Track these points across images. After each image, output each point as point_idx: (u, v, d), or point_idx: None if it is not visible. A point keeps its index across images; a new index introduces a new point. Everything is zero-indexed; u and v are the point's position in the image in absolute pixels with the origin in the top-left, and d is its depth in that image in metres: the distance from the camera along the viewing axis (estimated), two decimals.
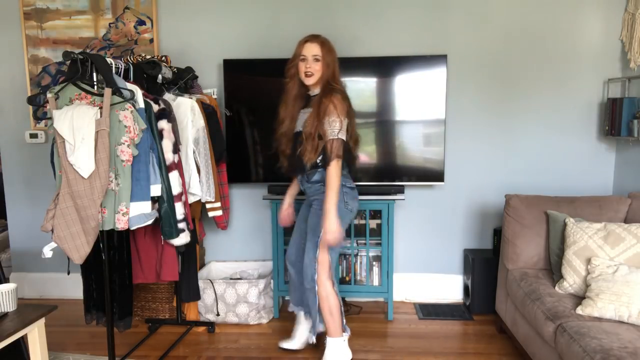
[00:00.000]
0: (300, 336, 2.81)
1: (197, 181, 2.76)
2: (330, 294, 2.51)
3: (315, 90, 2.50)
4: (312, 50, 2.44)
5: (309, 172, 2.52)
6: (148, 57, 2.82)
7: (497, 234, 3.24)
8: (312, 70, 2.44)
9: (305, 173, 2.53)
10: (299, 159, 2.48)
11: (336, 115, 2.38)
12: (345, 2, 3.33)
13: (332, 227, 2.38)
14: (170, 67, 2.92)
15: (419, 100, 3.21)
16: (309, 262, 2.51)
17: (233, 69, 3.28)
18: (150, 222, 2.33)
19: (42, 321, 2.05)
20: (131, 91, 2.29)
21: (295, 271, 2.74)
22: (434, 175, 3.26)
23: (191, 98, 2.83)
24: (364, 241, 3.27)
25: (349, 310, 3.36)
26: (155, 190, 2.34)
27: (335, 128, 2.38)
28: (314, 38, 2.47)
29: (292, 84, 2.54)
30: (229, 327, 3.17)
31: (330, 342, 2.56)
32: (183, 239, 2.54)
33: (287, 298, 3.60)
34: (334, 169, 2.37)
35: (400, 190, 3.25)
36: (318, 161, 2.46)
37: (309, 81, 2.46)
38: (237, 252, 3.62)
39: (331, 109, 2.38)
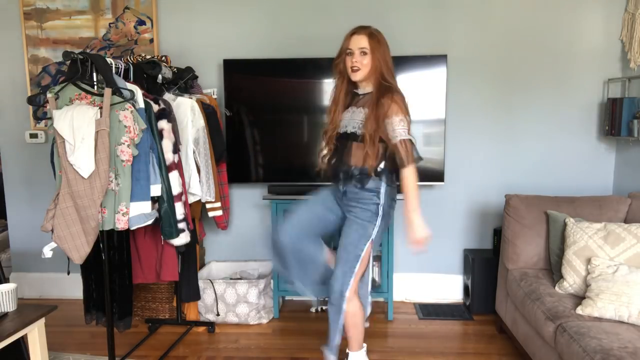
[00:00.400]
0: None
1: (197, 181, 2.76)
2: (359, 310, 2.35)
3: (366, 88, 2.30)
4: (359, 42, 2.21)
5: (360, 177, 2.27)
6: (148, 57, 2.82)
7: (497, 234, 3.24)
8: (359, 65, 2.22)
9: (356, 178, 2.28)
10: (345, 162, 2.29)
11: (403, 115, 2.20)
12: (345, 2, 3.33)
13: (422, 234, 2.20)
14: (170, 67, 2.92)
15: (419, 100, 3.20)
16: (341, 275, 2.29)
17: (233, 69, 3.27)
18: (150, 222, 2.33)
19: (42, 321, 2.05)
20: (131, 91, 2.29)
21: (296, 248, 2.37)
22: (434, 175, 3.26)
23: (191, 98, 2.83)
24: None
25: None
26: (155, 190, 2.34)
27: (404, 128, 2.19)
28: (361, 29, 2.24)
29: (340, 81, 2.33)
30: (229, 327, 3.17)
31: (352, 357, 2.44)
32: (183, 239, 2.54)
33: (287, 298, 3.60)
34: (413, 173, 2.17)
35: (400, 190, 3.24)
36: (379, 167, 2.26)
37: (355, 76, 2.24)
38: (237, 252, 3.62)
39: (396, 109, 2.18)
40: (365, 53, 2.22)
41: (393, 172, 2.30)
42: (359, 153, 2.26)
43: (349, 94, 2.36)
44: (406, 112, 2.23)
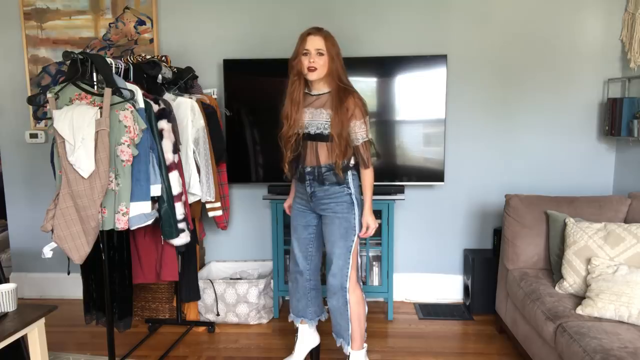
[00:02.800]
0: (303, 351, 2.62)
1: (197, 181, 2.76)
2: (361, 299, 2.44)
3: (322, 89, 2.36)
4: (316, 43, 2.27)
5: (325, 175, 2.35)
6: (148, 57, 2.82)
7: (497, 234, 3.24)
8: (316, 65, 2.27)
9: (324, 176, 2.35)
10: (310, 162, 2.36)
11: (363, 117, 2.31)
12: (346, 2, 3.33)
13: (374, 223, 2.40)
14: (170, 67, 2.92)
15: (419, 100, 3.21)
16: (339, 270, 2.38)
17: (233, 69, 3.28)
18: (150, 222, 2.33)
19: (42, 321, 2.05)
20: (131, 91, 2.29)
21: (304, 278, 2.55)
22: (434, 175, 3.26)
23: (191, 98, 2.83)
24: (364, 241, 3.27)
25: None
26: (155, 190, 2.34)
27: (365, 130, 2.32)
28: (316, 31, 2.31)
29: (298, 82, 2.36)
30: (229, 327, 3.17)
31: (354, 356, 2.46)
32: (183, 239, 2.54)
33: (287, 298, 3.60)
34: (371, 173, 2.36)
35: (400, 190, 3.25)
36: (350, 163, 2.36)
37: (312, 76, 2.29)
38: (237, 252, 3.62)
39: (358, 113, 2.29)
40: (321, 54, 2.28)
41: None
42: (325, 152, 2.33)
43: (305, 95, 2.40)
44: (366, 114, 2.34)
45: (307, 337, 2.62)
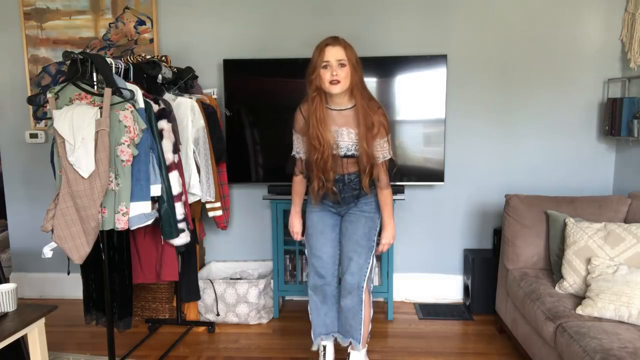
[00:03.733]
0: None
1: (197, 181, 2.76)
2: (370, 301, 2.44)
3: (345, 104, 2.22)
4: (336, 54, 2.11)
5: (355, 180, 2.32)
6: (148, 57, 2.82)
7: (497, 234, 3.24)
8: (338, 78, 2.11)
9: (354, 182, 2.32)
10: (339, 173, 2.29)
11: (386, 134, 2.23)
12: (346, 2, 3.33)
13: (393, 238, 2.42)
14: (170, 67, 2.92)
15: (419, 100, 3.21)
16: (358, 269, 2.32)
17: (233, 69, 3.28)
18: (150, 222, 2.33)
19: (42, 321, 2.05)
20: (131, 91, 2.28)
21: (332, 287, 2.43)
22: (434, 175, 3.26)
23: (191, 98, 2.83)
24: None
25: None
26: (155, 190, 2.34)
27: (387, 149, 2.26)
28: (334, 40, 2.14)
29: (319, 98, 2.18)
30: (229, 327, 3.17)
31: (355, 356, 2.45)
32: (183, 239, 2.54)
33: (287, 298, 3.60)
34: (390, 193, 2.35)
35: (400, 190, 3.25)
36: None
37: (335, 89, 2.13)
38: (237, 252, 3.62)
39: (383, 131, 2.20)
40: (343, 64, 2.12)
41: None
42: (353, 164, 2.29)
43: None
44: (389, 130, 2.27)
45: (331, 352, 2.52)
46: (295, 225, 2.52)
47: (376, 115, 2.20)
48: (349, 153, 2.25)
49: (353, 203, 2.37)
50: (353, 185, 2.33)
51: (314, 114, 2.20)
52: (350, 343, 2.44)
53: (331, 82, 2.13)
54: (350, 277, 2.34)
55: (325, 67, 2.14)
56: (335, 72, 2.12)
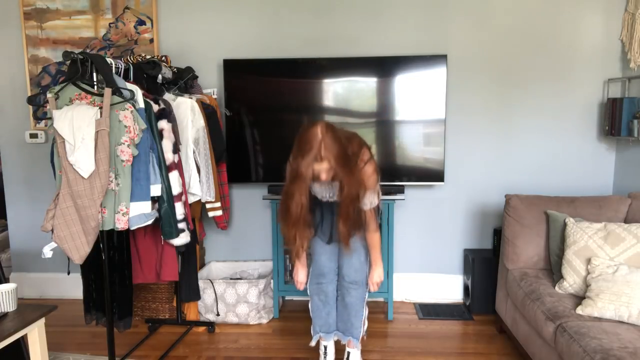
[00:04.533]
0: None
1: (197, 181, 2.76)
2: (366, 300, 2.50)
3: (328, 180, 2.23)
4: (322, 166, 2.09)
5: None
6: (148, 57, 2.82)
7: (497, 234, 3.24)
8: (325, 176, 2.13)
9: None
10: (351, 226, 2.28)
11: (375, 185, 2.26)
12: (345, 2, 3.33)
13: (381, 278, 2.47)
14: (170, 67, 2.92)
15: (418, 100, 3.21)
16: (361, 265, 2.41)
17: (233, 69, 3.28)
18: (150, 222, 2.33)
19: (42, 321, 2.05)
20: (131, 91, 2.29)
21: (333, 286, 2.48)
22: (434, 175, 3.26)
23: (191, 98, 2.83)
24: None
25: None
26: (155, 190, 2.34)
27: (377, 198, 2.30)
28: (320, 157, 2.06)
29: (303, 184, 2.16)
30: (229, 327, 3.17)
31: (356, 354, 2.50)
32: (183, 239, 2.54)
33: (287, 298, 3.60)
34: (378, 235, 2.40)
35: (400, 190, 3.25)
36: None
37: (322, 179, 2.15)
38: (237, 252, 3.62)
39: (372, 182, 2.24)
40: (330, 169, 2.10)
41: None
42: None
43: None
44: (378, 180, 2.28)
45: (332, 351, 2.57)
46: (300, 275, 2.51)
47: (363, 170, 2.20)
48: (332, 199, 2.31)
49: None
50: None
51: (293, 193, 2.18)
52: (349, 341, 2.48)
53: (320, 177, 2.13)
54: (354, 273, 2.41)
55: (315, 177, 2.15)
56: (323, 177, 2.12)
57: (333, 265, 2.48)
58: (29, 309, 2.05)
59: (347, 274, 2.42)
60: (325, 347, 2.55)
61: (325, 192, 2.33)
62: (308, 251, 2.48)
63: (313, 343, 2.54)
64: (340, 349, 2.59)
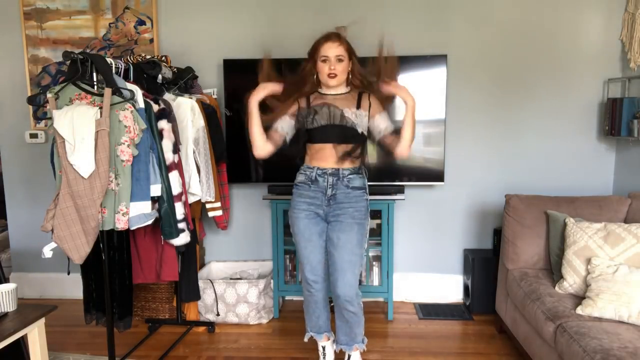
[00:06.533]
0: None
1: (197, 181, 2.76)
2: None
3: (339, 89, 2.32)
4: (335, 50, 2.23)
5: (350, 177, 2.33)
6: (148, 57, 2.82)
7: (497, 234, 3.24)
8: (336, 72, 2.24)
9: (347, 179, 2.32)
10: (333, 165, 2.32)
11: (383, 107, 2.35)
12: (345, 2, 3.33)
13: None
14: (170, 67, 2.92)
15: (419, 100, 3.18)
16: (354, 279, 2.31)
17: (233, 69, 3.27)
18: (150, 222, 2.33)
19: (42, 321, 2.05)
20: (131, 91, 2.29)
21: (323, 291, 2.44)
22: (434, 175, 3.26)
23: (191, 98, 2.83)
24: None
25: None
26: (155, 190, 2.34)
27: (390, 120, 2.35)
28: (334, 37, 2.25)
29: (310, 85, 2.33)
30: (229, 327, 3.17)
31: (357, 357, 2.50)
32: (183, 239, 2.54)
33: (287, 298, 3.60)
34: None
35: (400, 190, 3.25)
36: (364, 163, 2.41)
37: (332, 82, 2.26)
38: (237, 252, 3.62)
39: (379, 105, 2.32)
40: (341, 60, 2.24)
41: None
42: (350, 153, 2.30)
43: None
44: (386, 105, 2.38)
45: (331, 351, 2.57)
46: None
47: (368, 94, 2.32)
48: (353, 126, 2.28)
49: (345, 204, 2.32)
50: (347, 183, 2.32)
51: (298, 94, 2.33)
52: (354, 347, 2.47)
53: (329, 75, 2.25)
54: (349, 289, 2.30)
55: (324, 60, 2.25)
56: (333, 67, 2.23)
57: (321, 273, 2.40)
58: (29, 309, 2.05)
59: (342, 294, 2.31)
60: (324, 348, 2.55)
61: (332, 112, 2.27)
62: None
63: (305, 339, 2.56)
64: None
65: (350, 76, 2.31)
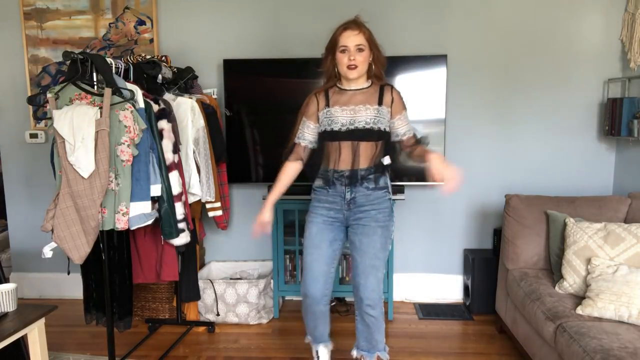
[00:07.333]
0: None
1: (197, 181, 2.76)
2: None
3: (360, 84, 2.20)
4: (355, 39, 2.10)
5: (369, 177, 2.18)
6: (148, 57, 2.82)
7: (497, 234, 3.24)
8: (356, 62, 2.11)
9: (367, 179, 2.19)
10: (350, 165, 2.19)
11: (404, 108, 2.25)
12: (345, 2, 3.32)
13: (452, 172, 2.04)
14: (170, 67, 2.92)
15: (419, 100, 3.20)
16: (378, 284, 2.19)
17: (233, 69, 3.27)
18: (150, 222, 2.33)
19: (42, 321, 2.05)
20: (131, 91, 2.29)
21: (322, 304, 2.29)
22: None
23: (191, 98, 2.83)
24: None
25: (349, 310, 3.36)
26: (155, 190, 2.33)
27: (408, 123, 2.25)
28: (354, 25, 2.13)
29: (332, 81, 2.22)
30: (229, 327, 3.17)
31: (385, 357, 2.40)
32: (183, 239, 2.54)
33: (287, 298, 3.60)
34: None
35: (400, 190, 3.25)
36: (387, 161, 2.23)
37: (353, 74, 2.13)
38: (237, 252, 3.62)
39: (403, 104, 2.22)
40: (362, 49, 2.12)
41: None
42: (368, 152, 2.18)
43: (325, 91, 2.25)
44: (405, 106, 2.28)
45: (326, 357, 2.47)
46: (265, 215, 2.27)
47: (393, 90, 2.22)
48: (368, 127, 2.15)
49: (367, 207, 2.20)
50: (367, 184, 2.19)
51: (322, 92, 2.23)
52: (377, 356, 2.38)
53: (349, 67, 2.13)
54: (372, 293, 2.20)
55: (343, 51, 2.13)
56: (353, 57, 2.11)
57: (321, 287, 2.23)
58: (29, 309, 2.05)
59: (365, 297, 2.20)
60: (317, 352, 2.46)
61: (361, 118, 2.15)
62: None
63: (306, 341, 2.49)
64: (340, 350, 2.58)
65: (372, 68, 2.18)
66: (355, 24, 2.14)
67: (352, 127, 2.16)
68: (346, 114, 2.18)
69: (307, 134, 2.29)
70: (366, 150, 2.18)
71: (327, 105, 2.22)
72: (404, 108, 2.24)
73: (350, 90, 2.22)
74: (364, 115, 2.17)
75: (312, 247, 2.25)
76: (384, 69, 2.23)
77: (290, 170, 2.31)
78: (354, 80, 2.20)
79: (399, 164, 3.25)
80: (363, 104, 2.18)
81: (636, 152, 3.10)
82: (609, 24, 3.23)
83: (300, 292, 2.33)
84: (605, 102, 3.23)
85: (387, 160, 2.24)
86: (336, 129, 2.17)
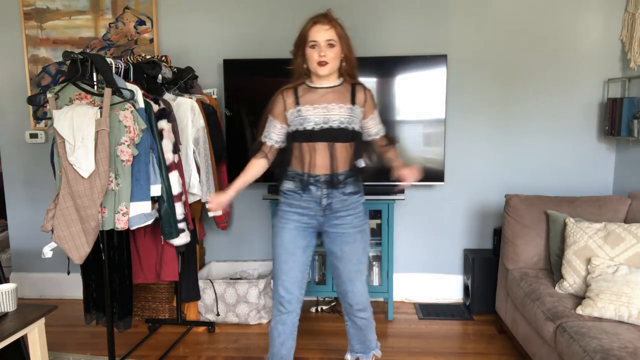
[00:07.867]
0: None
1: (197, 181, 2.76)
2: None
3: (332, 81, 2.10)
4: (325, 34, 1.99)
5: (346, 182, 2.12)
6: (148, 57, 2.82)
7: (497, 234, 3.24)
8: (327, 59, 2.00)
9: (343, 184, 2.10)
10: (328, 169, 2.08)
11: (375, 107, 2.19)
12: (345, 2, 3.32)
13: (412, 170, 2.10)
14: (170, 67, 2.92)
15: (419, 100, 3.21)
16: (364, 287, 2.21)
17: (233, 69, 3.27)
18: (150, 222, 2.33)
19: (42, 321, 2.05)
20: (131, 91, 2.29)
21: (295, 314, 2.20)
22: (434, 175, 3.26)
23: (191, 98, 2.84)
24: None
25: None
26: (155, 190, 2.34)
27: (380, 123, 2.20)
28: (324, 18, 2.01)
29: (302, 78, 2.11)
30: (229, 327, 3.17)
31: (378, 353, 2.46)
32: (183, 239, 2.54)
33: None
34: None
35: (400, 190, 3.25)
36: (363, 164, 2.18)
37: (323, 71, 2.02)
38: (237, 252, 3.62)
39: (373, 104, 2.15)
40: (332, 45, 2.01)
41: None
42: (344, 154, 2.09)
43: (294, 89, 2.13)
44: (376, 106, 2.24)
45: None
46: (226, 195, 2.17)
47: (364, 89, 2.14)
48: (342, 126, 2.05)
49: (343, 213, 2.13)
50: (343, 189, 2.12)
51: (289, 90, 2.13)
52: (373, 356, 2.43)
53: (319, 64, 2.02)
54: (360, 298, 2.21)
55: (313, 46, 2.03)
56: (323, 53, 2.01)
57: (296, 294, 2.15)
58: (29, 309, 2.05)
59: (355, 303, 2.21)
60: None
61: (334, 117, 2.05)
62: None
63: None
64: (338, 352, 2.58)
65: (343, 65, 2.08)
66: (325, 17, 2.03)
67: (327, 126, 2.05)
68: (319, 112, 2.07)
69: (272, 134, 2.19)
70: (342, 152, 2.09)
71: (297, 104, 2.10)
72: (375, 107, 2.20)
73: (321, 88, 2.11)
74: (338, 114, 2.06)
75: (286, 254, 2.15)
76: (356, 67, 2.12)
77: (255, 166, 2.22)
78: (325, 78, 2.09)
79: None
80: (336, 102, 2.08)
81: (636, 152, 3.10)
82: (609, 24, 3.23)
83: (273, 303, 2.21)
84: (605, 102, 3.23)
85: (361, 163, 2.18)
86: (309, 128, 2.06)
